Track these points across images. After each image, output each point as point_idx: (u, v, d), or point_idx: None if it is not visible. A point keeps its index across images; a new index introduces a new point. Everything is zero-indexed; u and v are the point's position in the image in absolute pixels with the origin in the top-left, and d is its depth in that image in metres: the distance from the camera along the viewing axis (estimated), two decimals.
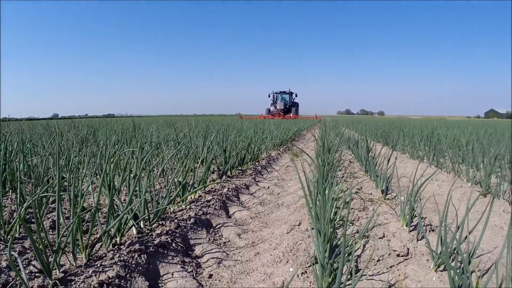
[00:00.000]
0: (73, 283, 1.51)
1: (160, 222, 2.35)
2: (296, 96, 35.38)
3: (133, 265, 1.73)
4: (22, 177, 2.15)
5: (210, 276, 1.86)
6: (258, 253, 2.16)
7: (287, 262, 1.90)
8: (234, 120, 15.68)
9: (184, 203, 2.85)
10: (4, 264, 1.62)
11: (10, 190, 2.82)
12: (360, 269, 1.76)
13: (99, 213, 2.43)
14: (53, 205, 2.68)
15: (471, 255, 1.55)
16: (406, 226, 2.29)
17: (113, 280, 1.56)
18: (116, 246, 1.93)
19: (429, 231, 2.27)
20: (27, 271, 1.60)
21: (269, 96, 35.64)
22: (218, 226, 2.60)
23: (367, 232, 2.24)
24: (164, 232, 2.17)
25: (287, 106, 34.00)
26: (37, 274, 1.59)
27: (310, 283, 1.63)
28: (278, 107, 33.29)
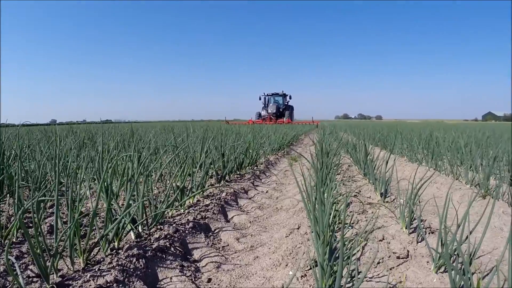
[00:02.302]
0: (70, 287, 1.50)
1: (159, 227, 2.33)
2: (290, 98, 31.75)
3: (131, 270, 1.71)
4: (20, 181, 2.14)
5: (209, 280, 1.85)
6: (257, 257, 2.14)
7: (286, 265, 1.89)
8: (232, 125, 15.67)
9: (182, 207, 2.84)
10: (1, 268, 1.60)
11: (8, 195, 2.80)
12: (361, 272, 1.75)
13: (97, 217, 2.42)
14: (50, 209, 2.67)
15: (472, 256, 1.54)
16: (406, 228, 2.29)
17: (111, 284, 1.55)
18: (114, 251, 1.92)
19: (429, 233, 2.26)
20: (24, 276, 1.58)
21: (260, 99, 32.03)
22: (217, 230, 2.58)
23: (367, 234, 2.24)
24: (163, 236, 2.16)
25: (281, 110, 30.54)
26: (34, 279, 1.57)
27: (310, 286, 1.62)
28: (269, 111, 29.74)
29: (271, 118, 28.71)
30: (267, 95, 32.18)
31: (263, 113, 30.65)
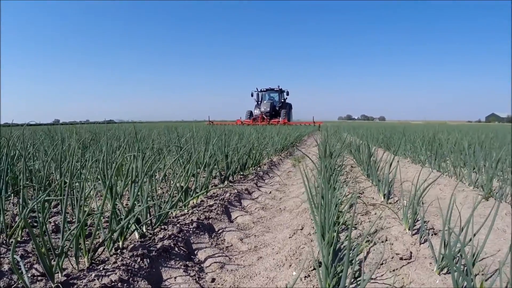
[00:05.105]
0: (75, 286, 1.51)
1: (163, 227, 2.35)
2: (287, 95, 27.17)
3: (136, 269, 1.73)
4: (25, 181, 2.16)
5: (213, 280, 1.86)
6: (260, 257, 2.15)
7: (290, 266, 1.90)
8: (235, 126, 15.67)
9: (186, 207, 2.85)
10: (6, 267, 1.62)
11: (12, 194, 2.82)
12: (364, 273, 1.76)
13: (102, 217, 2.43)
14: (55, 209, 2.69)
15: (475, 257, 1.55)
16: (409, 230, 2.29)
17: (115, 284, 1.56)
18: (119, 250, 1.93)
19: (432, 235, 2.26)
20: (29, 275, 1.60)
21: (252, 96, 27.21)
22: (221, 230, 2.59)
23: (370, 236, 2.24)
24: (167, 236, 2.17)
25: (276, 108, 26.21)
26: (39, 278, 1.59)
27: (313, 286, 1.63)
28: (263, 109, 25.31)
29: (263, 117, 24.27)
30: (261, 90, 27.63)
31: (256, 112, 26.44)
